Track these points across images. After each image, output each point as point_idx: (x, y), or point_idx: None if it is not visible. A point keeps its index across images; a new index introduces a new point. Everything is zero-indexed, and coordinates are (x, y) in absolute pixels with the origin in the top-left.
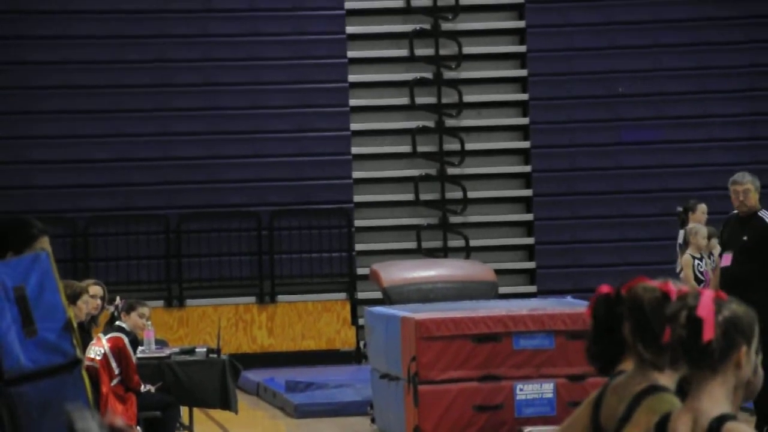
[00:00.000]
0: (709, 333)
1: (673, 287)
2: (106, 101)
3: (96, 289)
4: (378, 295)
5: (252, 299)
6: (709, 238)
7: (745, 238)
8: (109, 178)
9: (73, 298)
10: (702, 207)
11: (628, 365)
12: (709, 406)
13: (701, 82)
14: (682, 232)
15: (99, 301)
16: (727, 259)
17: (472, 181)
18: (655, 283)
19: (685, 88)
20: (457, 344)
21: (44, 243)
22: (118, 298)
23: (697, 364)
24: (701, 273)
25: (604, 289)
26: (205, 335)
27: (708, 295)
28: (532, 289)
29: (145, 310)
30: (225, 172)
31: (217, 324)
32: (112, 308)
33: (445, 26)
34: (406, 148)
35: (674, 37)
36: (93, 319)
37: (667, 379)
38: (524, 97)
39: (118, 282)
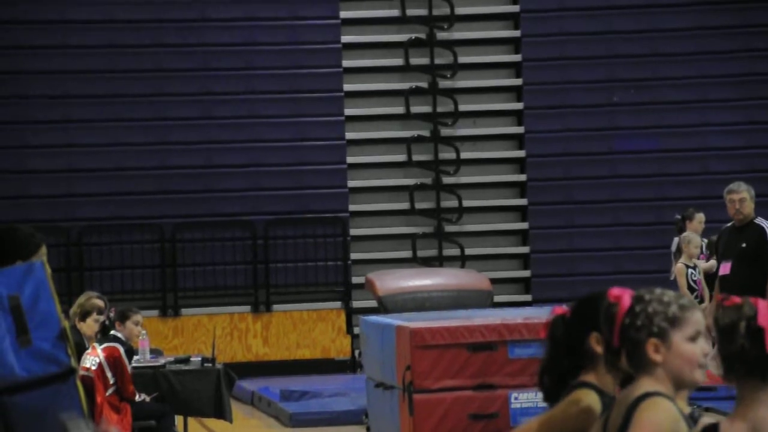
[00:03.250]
0: None
1: (617, 291)
2: (101, 111)
3: (98, 304)
4: (373, 304)
5: (247, 308)
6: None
7: (743, 245)
8: (103, 187)
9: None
10: (699, 216)
11: (591, 377)
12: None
13: (698, 91)
14: (676, 240)
15: (99, 315)
16: (725, 268)
17: (467, 190)
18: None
19: (681, 97)
20: (452, 353)
21: (44, 251)
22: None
23: (752, 372)
24: (694, 282)
25: (559, 310)
26: (200, 344)
27: (764, 305)
28: (527, 297)
29: (138, 318)
30: (220, 181)
31: (212, 333)
32: (103, 317)
33: (441, 35)
34: (401, 157)
35: (670, 47)
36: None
37: (658, 385)
38: (519, 106)
39: (113, 291)
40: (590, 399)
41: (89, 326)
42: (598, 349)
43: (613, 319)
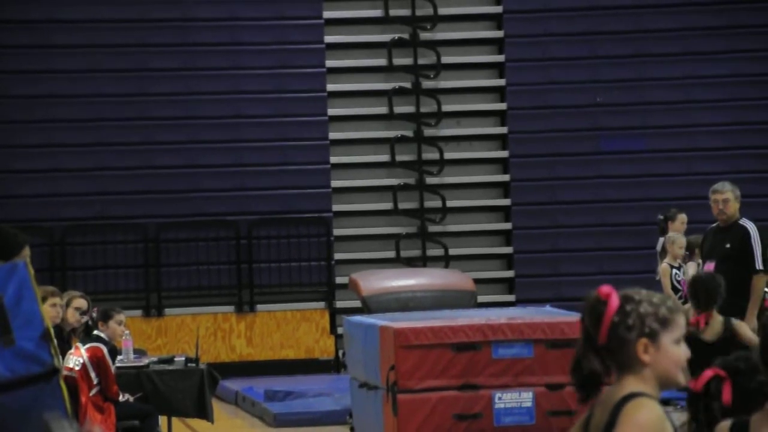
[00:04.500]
0: None
1: (606, 289)
2: (84, 110)
3: (80, 302)
4: (357, 304)
5: (231, 308)
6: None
7: (727, 246)
8: (87, 187)
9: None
10: (682, 216)
11: (640, 385)
12: None
13: (683, 92)
14: (661, 240)
15: (79, 315)
16: (709, 267)
17: (450, 191)
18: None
19: (667, 98)
20: (436, 353)
21: (27, 251)
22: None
23: None
24: (678, 282)
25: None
26: (184, 344)
27: None
28: (511, 298)
29: (121, 317)
30: (204, 181)
31: (195, 333)
32: (86, 317)
33: (424, 36)
34: (384, 157)
35: (656, 47)
36: (73, 330)
37: (643, 385)
38: (503, 106)
39: (96, 291)
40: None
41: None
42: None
43: (600, 316)
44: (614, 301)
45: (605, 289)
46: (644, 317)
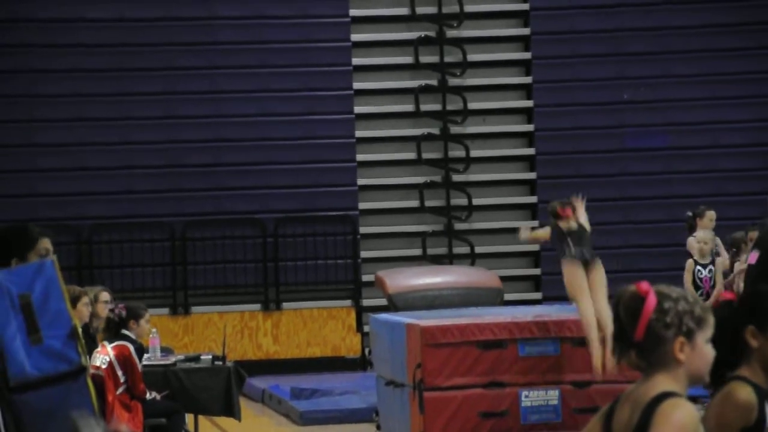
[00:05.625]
0: None
1: (645, 286)
2: (111, 109)
3: (105, 295)
4: (383, 302)
5: (257, 306)
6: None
7: None
8: (113, 185)
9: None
10: (710, 214)
11: (744, 371)
12: None
13: (708, 89)
14: (691, 239)
15: (107, 308)
16: (753, 257)
17: (477, 188)
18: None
19: (691, 95)
20: (462, 351)
21: (46, 243)
22: (116, 304)
23: None
24: (701, 280)
25: (727, 295)
26: (210, 342)
27: None
28: (538, 295)
29: (148, 315)
30: (230, 179)
31: (222, 331)
32: (112, 315)
33: (450, 33)
34: (411, 155)
35: (681, 44)
36: (100, 327)
37: (675, 384)
38: (529, 104)
39: (123, 289)
40: (745, 392)
41: (79, 312)
42: (753, 342)
43: (638, 313)
44: (652, 298)
45: (644, 285)
46: (682, 315)
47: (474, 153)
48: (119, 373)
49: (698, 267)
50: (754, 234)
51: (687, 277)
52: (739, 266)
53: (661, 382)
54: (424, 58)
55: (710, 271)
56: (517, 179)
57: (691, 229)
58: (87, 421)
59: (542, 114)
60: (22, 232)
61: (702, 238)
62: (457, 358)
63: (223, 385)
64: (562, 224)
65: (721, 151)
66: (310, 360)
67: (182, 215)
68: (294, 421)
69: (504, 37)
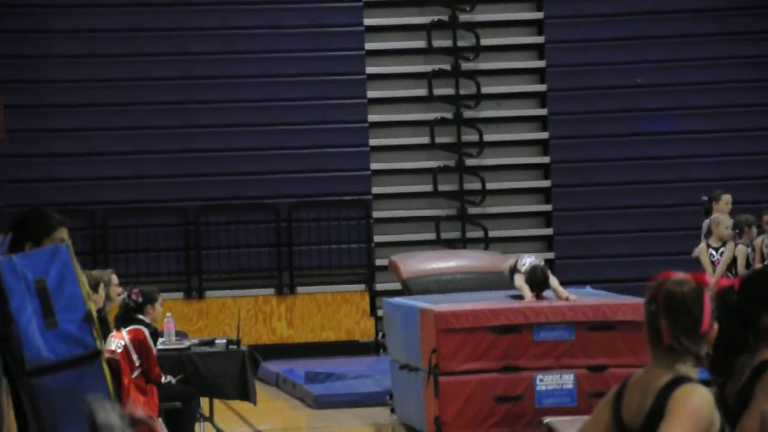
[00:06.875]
0: None
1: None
2: (125, 94)
3: (115, 278)
4: (397, 286)
5: (271, 291)
6: (750, 225)
7: None
8: (128, 170)
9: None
10: (726, 197)
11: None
12: None
13: (722, 72)
14: (706, 222)
15: (120, 288)
16: None
17: (490, 172)
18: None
19: (705, 78)
20: (477, 336)
21: (63, 233)
22: (129, 288)
23: None
24: (712, 263)
25: (726, 281)
26: (225, 327)
27: None
28: None
29: (161, 299)
30: (244, 164)
31: (236, 315)
32: (129, 300)
33: (463, 17)
34: (424, 140)
35: (694, 28)
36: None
37: (688, 369)
38: (542, 88)
39: (138, 274)
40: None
41: (100, 296)
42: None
43: (702, 303)
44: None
45: (707, 277)
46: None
47: (487, 137)
48: (134, 357)
49: (711, 250)
50: (747, 219)
51: (705, 259)
52: (743, 249)
53: (674, 367)
54: (438, 43)
55: (722, 253)
56: (530, 163)
57: (708, 213)
58: (102, 405)
59: (556, 98)
60: (42, 217)
61: (727, 222)
62: (472, 342)
63: (238, 369)
64: None
65: (735, 134)
66: (324, 344)
67: (196, 200)
68: (308, 404)
69: (517, 21)
